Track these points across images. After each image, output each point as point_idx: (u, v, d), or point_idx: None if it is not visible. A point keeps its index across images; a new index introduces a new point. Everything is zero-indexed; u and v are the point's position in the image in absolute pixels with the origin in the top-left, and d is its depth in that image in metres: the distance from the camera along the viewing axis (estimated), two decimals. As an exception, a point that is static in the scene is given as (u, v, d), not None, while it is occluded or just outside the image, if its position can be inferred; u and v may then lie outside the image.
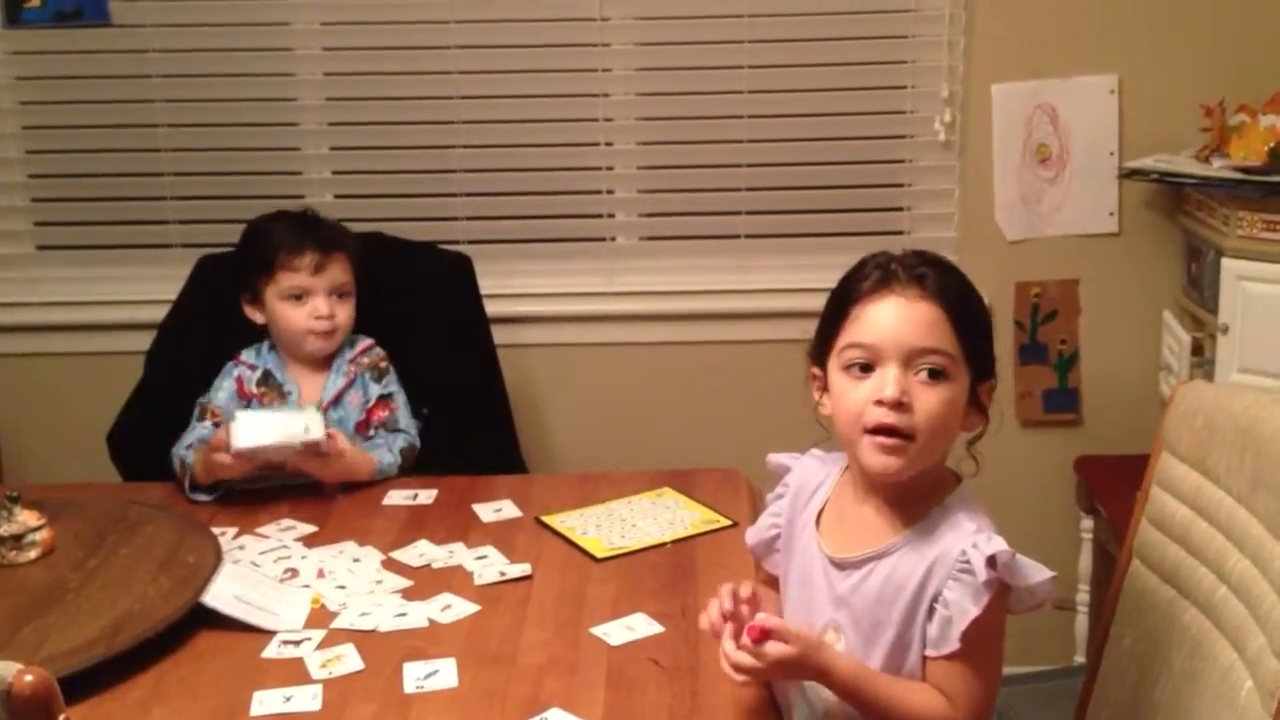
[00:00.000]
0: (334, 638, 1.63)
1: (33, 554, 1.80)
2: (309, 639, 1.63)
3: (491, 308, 2.52)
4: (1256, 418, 1.46)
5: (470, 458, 2.23)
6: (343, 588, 1.77)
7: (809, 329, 1.54)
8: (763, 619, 1.38)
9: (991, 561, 1.37)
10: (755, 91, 2.69)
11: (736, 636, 1.39)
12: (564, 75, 2.70)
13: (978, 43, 2.63)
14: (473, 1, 2.66)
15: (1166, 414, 1.64)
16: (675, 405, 2.79)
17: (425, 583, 1.79)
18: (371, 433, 2.21)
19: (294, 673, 1.55)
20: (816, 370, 1.52)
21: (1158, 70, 2.60)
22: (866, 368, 1.44)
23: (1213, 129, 2.47)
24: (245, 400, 2.18)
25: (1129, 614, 1.67)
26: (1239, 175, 2.32)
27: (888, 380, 1.41)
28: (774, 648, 1.37)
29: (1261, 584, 1.40)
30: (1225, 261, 2.32)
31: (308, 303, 2.16)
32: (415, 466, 2.19)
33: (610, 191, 2.78)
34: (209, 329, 2.35)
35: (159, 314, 2.45)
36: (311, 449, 2.01)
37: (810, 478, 1.60)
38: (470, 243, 2.67)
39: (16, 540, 1.79)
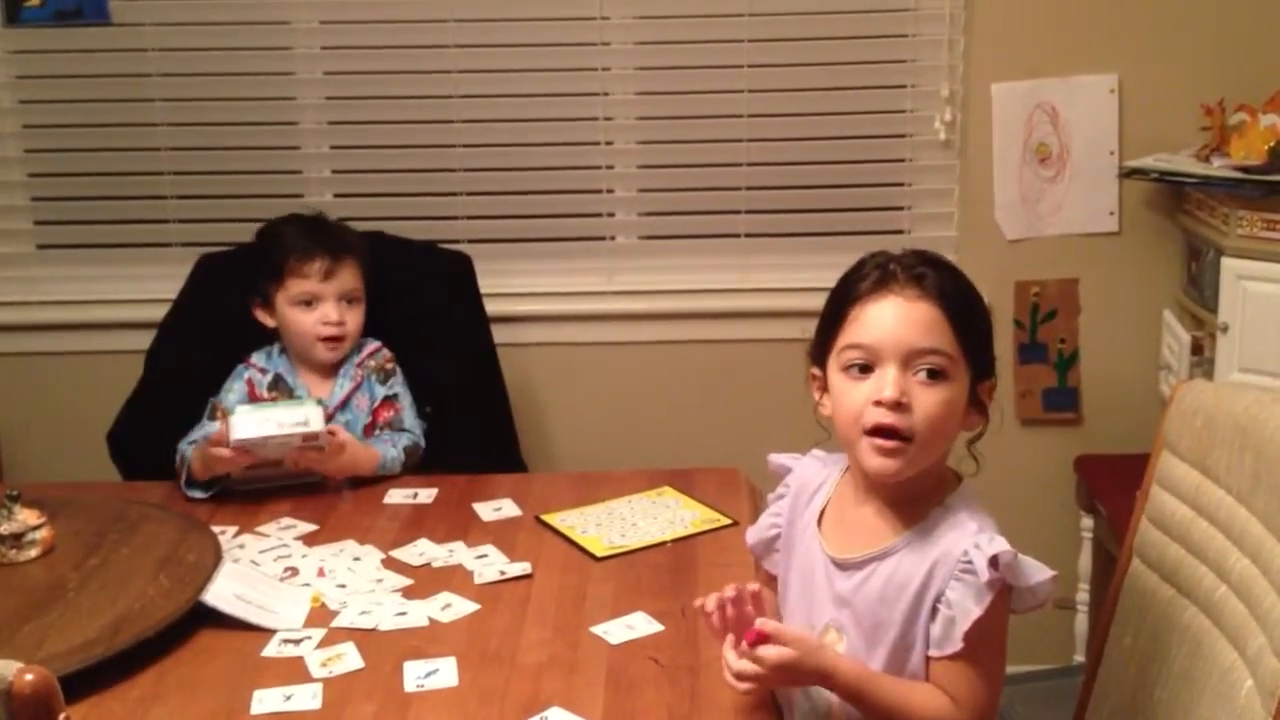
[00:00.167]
0: (334, 636, 1.64)
1: (33, 553, 1.80)
2: (309, 638, 1.63)
3: (491, 307, 2.52)
4: (1256, 417, 1.46)
5: (470, 457, 2.23)
6: (343, 586, 1.77)
7: (809, 328, 1.54)
8: (760, 623, 1.38)
9: (994, 561, 1.37)
10: (755, 90, 2.69)
11: (737, 646, 1.39)
12: (564, 74, 2.70)
13: (978, 42, 2.63)
14: (473, 1, 2.66)
15: (1167, 413, 1.64)
16: (675, 404, 2.79)
17: (425, 581, 1.79)
18: (377, 433, 2.21)
19: (294, 671, 1.56)
20: (816, 370, 1.52)
21: (1158, 69, 2.60)
22: (865, 368, 1.44)
23: (1213, 128, 2.47)
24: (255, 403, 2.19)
25: (1129, 613, 1.67)
26: (1239, 174, 2.32)
27: (886, 381, 1.41)
28: (772, 651, 1.37)
29: (1262, 583, 1.40)
30: (1225, 261, 2.32)
31: (317, 308, 2.17)
32: (418, 465, 2.19)
33: (610, 190, 2.78)
34: (209, 328, 2.35)
35: (159, 313, 2.45)
36: (310, 442, 2.01)
37: (811, 478, 1.60)
38: (470, 242, 2.68)
39: (17, 539, 1.79)
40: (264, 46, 2.70)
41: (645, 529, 1.94)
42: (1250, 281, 2.28)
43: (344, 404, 2.20)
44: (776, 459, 1.64)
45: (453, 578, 1.80)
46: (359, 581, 1.79)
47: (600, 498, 2.06)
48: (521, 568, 1.81)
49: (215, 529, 1.91)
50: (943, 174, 2.72)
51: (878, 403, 1.41)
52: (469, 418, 2.37)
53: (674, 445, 2.70)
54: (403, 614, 1.69)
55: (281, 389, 2.20)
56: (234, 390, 2.20)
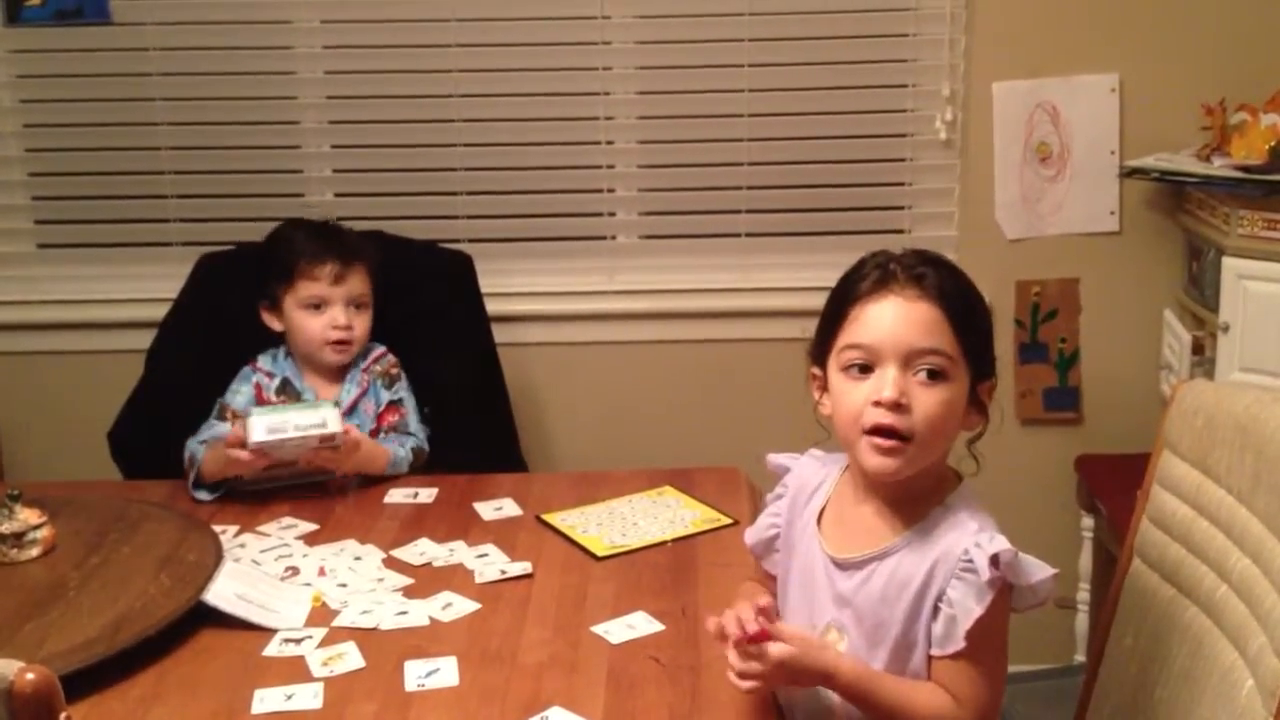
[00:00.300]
0: (335, 636, 1.64)
1: (34, 552, 1.80)
2: (310, 637, 1.63)
3: (492, 306, 2.52)
4: (1257, 416, 1.46)
5: (471, 456, 2.23)
6: (344, 586, 1.77)
7: (809, 328, 1.54)
8: (762, 622, 1.38)
9: (994, 560, 1.37)
10: (756, 90, 2.69)
11: (739, 645, 1.39)
12: (565, 74, 2.70)
13: (978, 41, 2.63)
14: (473, 0, 2.66)
15: (1167, 413, 1.64)
16: (676, 404, 2.79)
17: (426, 581, 1.79)
18: (382, 436, 2.21)
19: (295, 671, 1.56)
20: (816, 370, 1.52)
21: (1158, 69, 2.60)
22: (865, 368, 1.44)
23: (1213, 128, 2.47)
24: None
25: (1130, 613, 1.67)
26: (1240, 174, 2.32)
27: (886, 381, 1.41)
28: (774, 648, 1.37)
29: (1262, 583, 1.40)
30: (1226, 260, 2.32)
31: (326, 313, 2.17)
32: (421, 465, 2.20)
33: (611, 190, 2.78)
34: (210, 327, 2.35)
35: (159, 312, 2.45)
36: (327, 443, 2.01)
37: (810, 478, 1.60)
38: (471, 241, 2.68)
39: (18, 538, 1.79)
40: (265, 46, 2.70)
41: (646, 528, 1.94)
42: (1251, 281, 2.28)
43: (351, 409, 2.20)
44: (775, 459, 1.64)
45: (453, 577, 1.80)
46: (360, 581, 1.79)
47: (601, 497, 2.06)
48: (522, 567, 1.81)
49: (216, 528, 1.91)
50: (943, 173, 2.72)
51: (877, 403, 1.41)
52: (470, 417, 2.37)
53: (674, 445, 2.70)
54: (403, 613, 1.69)
55: (289, 393, 2.20)
56: (241, 393, 2.19)
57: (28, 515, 1.81)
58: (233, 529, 1.95)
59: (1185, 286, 2.57)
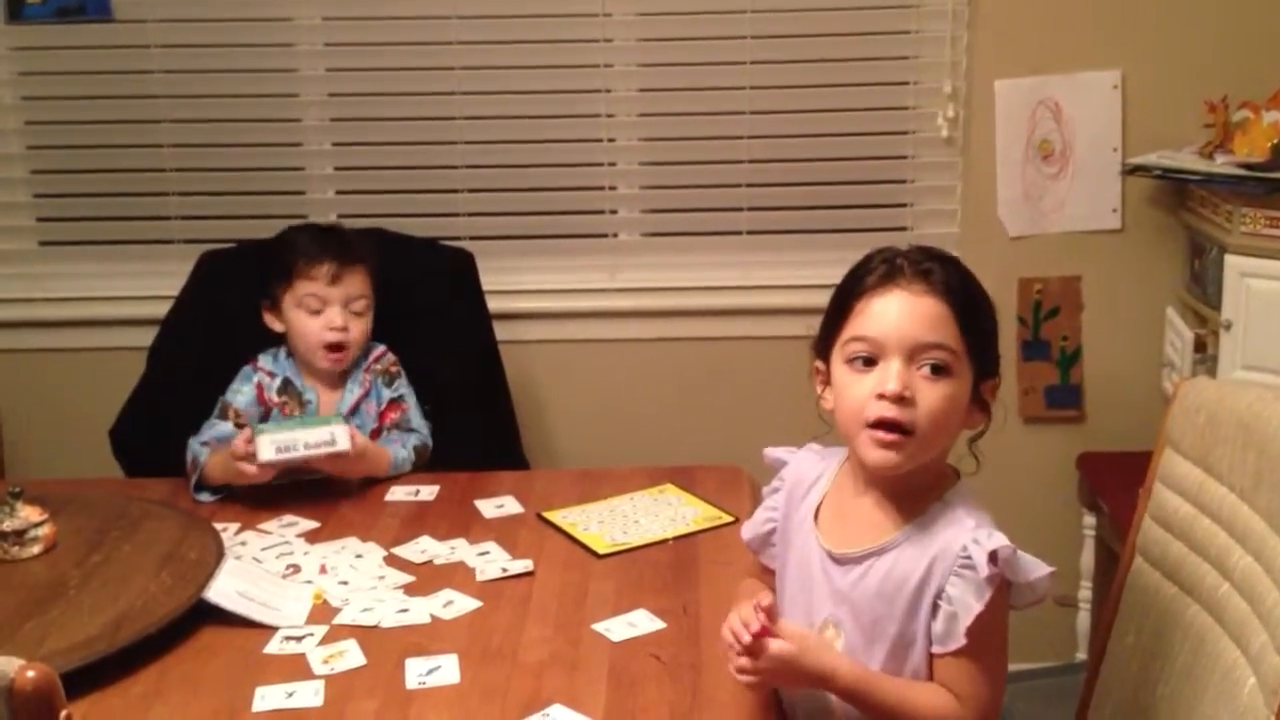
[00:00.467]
0: (336, 633, 1.64)
1: (35, 550, 1.80)
2: (311, 635, 1.63)
3: (493, 304, 2.52)
4: (1259, 414, 1.46)
5: (472, 454, 2.23)
6: (345, 584, 1.77)
7: (812, 326, 1.53)
8: (763, 619, 1.38)
9: (993, 557, 1.37)
10: (758, 87, 2.68)
11: (740, 641, 1.39)
12: (566, 71, 2.70)
13: (981, 38, 2.63)
14: (475, -2, 2.67)
15: (1169, 410, 1.64)
16: (677, 401, 2.79)
17: (427, 579, 1.79)
18: (385, 434, 2.21)
19: (296, 668, 1.56)
20: (819, 364, 1.52)
21: (1161, 66, 2.59)
22: (869, 361, 1.43)
23: (1216, 125, 2.47)
24: (265, 408, 2.19)
25: (1131, 611, 1.67)
26: (1242, 171, 2.32)
27: (890, 374, 1.41)
28: (773, 644, 1.37)
29: (1264, 581, 1.40)
30: (1228, 258, 2.32)
31: (323, 314, 2.16)
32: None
33: (612, 188, 2.78)
34: (211, 325, 2.35)
35: (161, 310, 2.45)
36: (335, 457, 2.01)
37: (807, 472, 1.59)
38: (472, 239, 2.67)
39: (19, 536, 1.79)
40: (266, 43, 2.70)
41: (647, 526, 1.94)
42: (1253, 279, 2.28)
43: (354, 410, 2.20)
44: (772, 452, 1.64)
45: (454, 575, 1.80)
46: (361, 579, 1.79)
47: (602, 495, 2.06)
48: (523, 565, 1.81)
49: (217, 526, 1.91)
50: (945, 171, 2.72)
51: (880, 396, 1.41)
52: (471, 415, 2.37)
53: (676, 442, 2.69)
54: (404, 611, 1.69)
55: (291, 393, 2.20)
56: (243, 392, 2.19)
57: (29, 513, 1.81)
58: (234, 527, 1.95)
59: (1187, 284, 2.56)
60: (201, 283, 2.44)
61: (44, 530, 1.81)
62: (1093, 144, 2.64)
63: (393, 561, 1.84)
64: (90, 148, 2.74)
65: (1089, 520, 2.66)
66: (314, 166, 2.78)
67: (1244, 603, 1.44)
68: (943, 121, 2.67)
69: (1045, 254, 2.69)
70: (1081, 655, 2.61)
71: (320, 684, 1.52)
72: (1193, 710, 1.50)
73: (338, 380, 2.22)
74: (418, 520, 1.98)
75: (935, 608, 1.42)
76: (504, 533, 1.93)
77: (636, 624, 1.65)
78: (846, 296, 1.47)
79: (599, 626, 1.64)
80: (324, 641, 1.62)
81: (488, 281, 2.51)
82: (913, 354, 1.41)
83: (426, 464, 2.20)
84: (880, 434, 1.42)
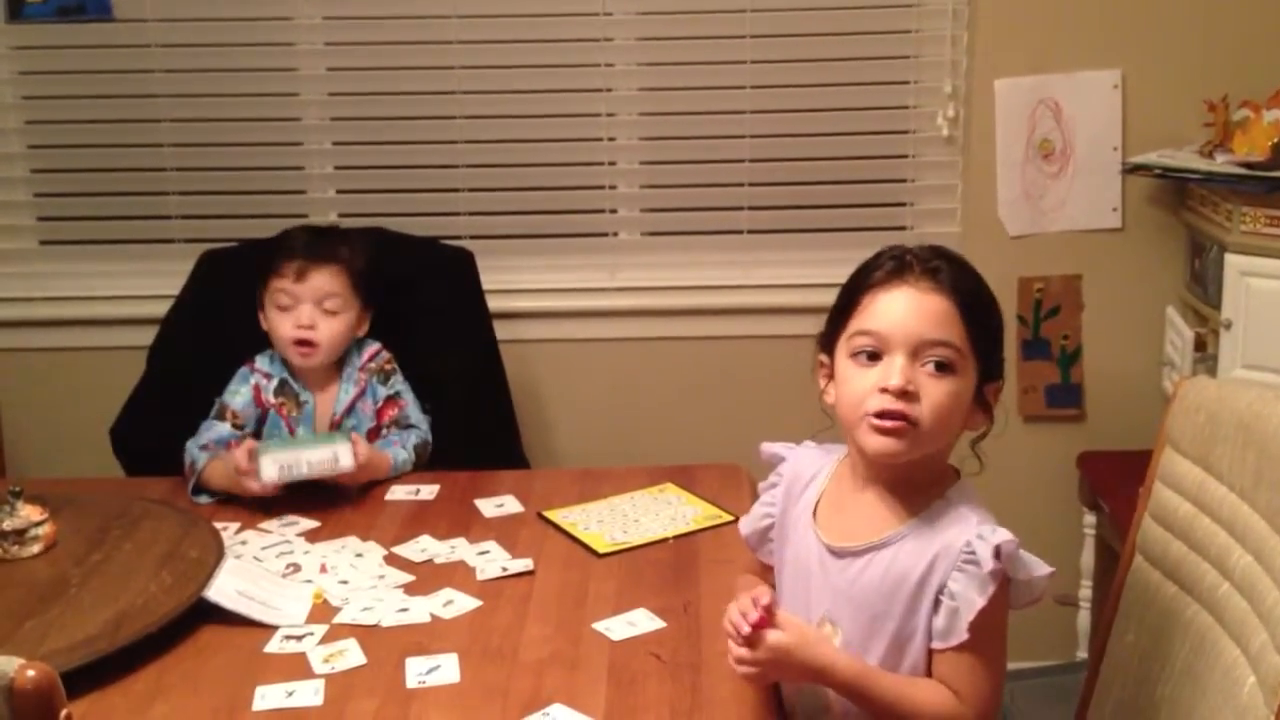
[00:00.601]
0: (336, 633, 1.64)
1: (35, 549, 1.80)
2: (311, 634, 1.63)
3: (493, 303, 2.52)
4: (1259, 414, 1.46)
5: (472, 453, 2.23)
6: (345, 583, 1.77)
7: (813, 325, 1.53)
8: (763, 610, 1.38)
9: (996, 552, 1.37)
10: (758, 86, 2.68)
11: (740, 632, 1.39)
12: (566, 70, 2.70)
13: (981, 38, 2.63)
14: (475, -3, 2.67)
15: (1169, 410, 1.64)
16: (677, 401, 2.79)
17: (427, 578, 1.79)
18: (384, 433, 2.21)
19: (296, 667, 1.56)
20: (824, 358, 1.52)
21: (1161, 65, 2.59)
22: (874, 356, 1.43)
23: (1216, 124, 2.47)
24: (262, 409, 2.19)
25: (1132, 610, 1.67)
26: (1242, 170, 2.32)
27: (894, 369, 1.41)
28: (770, 635, 1.38)
29: (1264, 580, 1.40)
30: (1229, 257, 2.32)
31: (292, 311, 2.16)
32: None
33: (613, 187, 2.78)
34: (212, 324, 2.35)
35: (162, 309, 2.45)
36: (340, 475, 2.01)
37: (805, 467, 1.59)
38: (472, 238, 2.67)
39: (19, 535, 1.79)
40: (267, 42, 2.70)
41: (647, 525, 1.94)
42: (1253, 278, 2.28)
43: (350, 409, 2.20)
44: (769, 448, 1.64)
45: (454, 574, 1.80)
46: (361, 578, 1.79)
47: (602, 494, 2.06)
48: (523, 564, 1.81)
49: (217, 525, 1.91)
50: (945, 170, 2.72)
51: (884, 390, 1.41)
52: (471, 414, 2.37)
53: (676, 442, 2.69)
54: (404, 610, 1.69)
55: (287, 393, 2.20)
56: (240, 393, 2.19)
57: (29, 512, 1.81)
58: (234, 526, 1.95)
59: (1188, 283, 2.56)
60: (202, 282, 2.44)
61: (44, 529, 1.81)
62: (1093, 143, 2.64)
63: (393, 561, 1.84)
64: (91, 147, 2.75)
65: (1089, 519, 2.66)
66: (314, 166, 2.78)
67: (1244, 602, 1.44)
68: (943, 121, 2.67)
69: (1045, 253, 2.69)
70: (1082, 654, 2.61)
71: (320, 683, 1.52)
72: (1192, 709, 1.51)
73: (332, 379, 2.22)
74: (418, 519, 1.98)
75: (937, 603, 1.42)
76: (504, 532, 1.93)
77: (636, 623, 1.65)
78: (854, 291, 1.48)
79: (599, 625, 1.64)
80: (324, 641, 1.62)
81: (488, 280, 2.51)
82: (917, 350, 1.42)
83: (428, 460, 2.19)
84: (882, 421, 1.41)
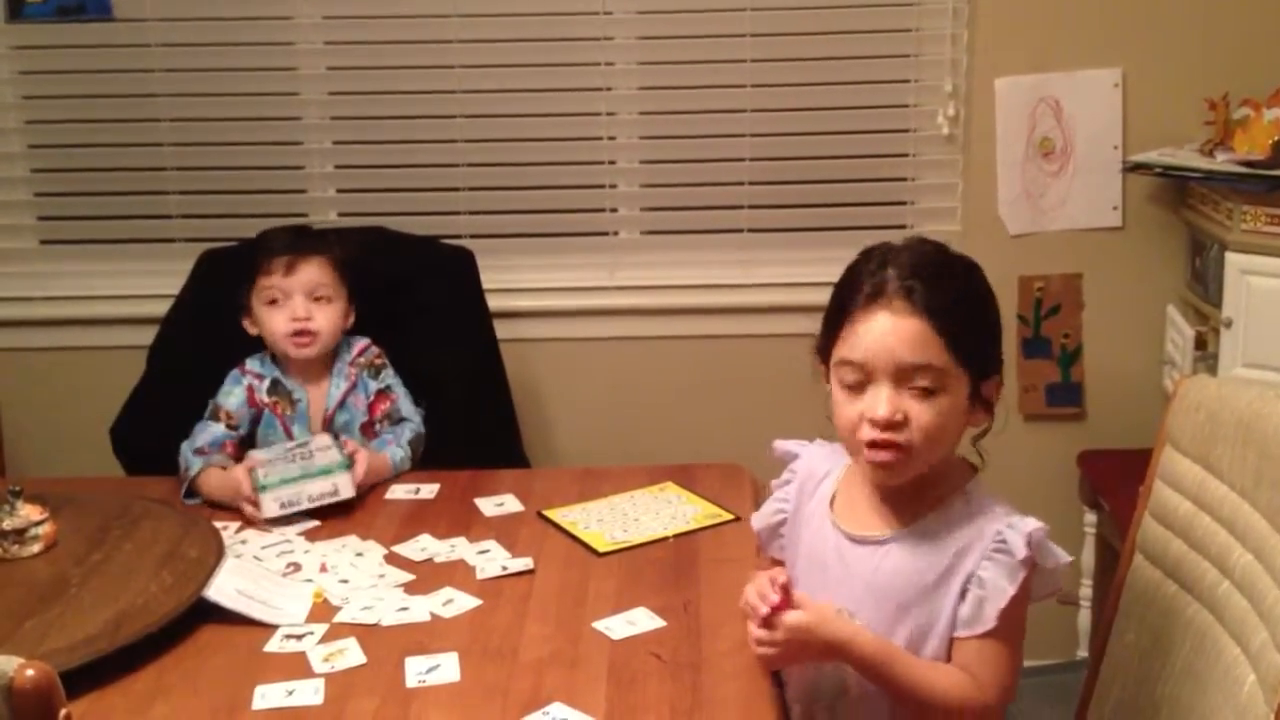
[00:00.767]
0: (336, 632, 1.64)
1: (35, 548, 1.80)
2: (311, 633, 1.63)
3: (493, 302, 2.52)
4: (1260, 412, 1.46)
5: (472, 452, 2.23)
6: (345, 582, 1.77)
7: (813, 324, 1.54)
8: (780, 591, 1.39)
9: (1027, 540, 1.39)
10: (758, 86, 2.68)
11: (758, 615, 1.40)
12: (566, 69, 2.70)
13: (981, 36, 2.63)
14: (475, -4, 2.67)
15: (1170, 408, 1.64)
16: (677, 400, 2.79)
17: (427, 577, 1.79)
18: (377, 428, 2.21)
19: (296, 667, 1.56)
20: (823, 365, 1.52)
21: (1162, 64, 2.59)
22: (860, 384, 1.45)
23: (1217, 123, 2.46)
24: (256, 409, 2.19)
25: (1132, 609, 1.67)
26: (1243, 169, 2.32)
27: (880, 400, 1.43)
28: (789, 615, 1.39)
29: (1265, 579, 1.40)
30: (1229, 256, 2.31)
31: (285, 306, 2.16)
32: (422, 458, 2.19)
33: (613, 186, 2.78)
34: (212, 324, 2.34)
35: (162, 309, 2.45)
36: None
37: (818, 465, 1.61)
38: (472, 237, 2.67)
39: (19, 534, 1.79)
40: (267, 42, 2.70)
41: (647, 524, 1.94)
42: (1254, 276, 2.28)
43: (341, 404, 2.20)
44: (782, 445, 1.66)
45: (454, 573, 1.80)
46: (361, 577, 1.79)
47: (602, 493, 2.06)
48: (523, 563, 1.81)
49: (217, 524, 1.91)
50: (946, 169, 2.72)
51: (873, 422, 1.42)
52: (471, 413, 2.37)
53: (676, 441, 2.69)
54: (404, 609, 1.69)
55: (280, 392, 2.20)
56: (233, 394, 2.19)
57: (29, 511, 1.81)
58: (234, 525, 1.95)
59: (1188, 282, 2.56)
60: (202, 281, 2.44)
61: (44, 529, 1.81)
62: (1093, 141, 2.64)
63: (393, 560, 1.84)
64: (91, 146, 2.75)
65: (1090, 518, 2.66)
66: (314, 165, 2.77)
67: (1244, 600, 1.44)
68: (943, 119, 2.67)
69: (1046, 252, 2.69)
70: (1082, 653, 2.61)
71: (320, 682, 1.52)
72: (1193, 708, 1.50)
73: (323, 376, 2.22)
74: (418, 518, 1.98)
75: (963, 592, 1.43)
76: (504, 531, 1.93)
77: (636, 622, 1.65)
78: (838, 310, 1.48)
79: (599, 624, 1.64)
80: (324, 640, 1.62)
81: (488, 280, 2.51)
82: (899, 376, 1.43)
83: (424, 454, 2.19)
84: (876, 454, 1.44)
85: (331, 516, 1.98)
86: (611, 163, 2.76)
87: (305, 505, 1.97)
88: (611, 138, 2.74)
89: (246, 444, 2.17)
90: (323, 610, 1.69)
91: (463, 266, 2.49)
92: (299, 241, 2.20)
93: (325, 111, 2.74)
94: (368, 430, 2.21)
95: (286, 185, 2.76)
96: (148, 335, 2.43)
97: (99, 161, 2.75)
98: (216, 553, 1.78)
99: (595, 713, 1.44)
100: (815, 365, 1.54)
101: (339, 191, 2.78)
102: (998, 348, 1.51)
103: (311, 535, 1.93)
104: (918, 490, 1.49)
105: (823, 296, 1.53)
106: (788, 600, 1.40)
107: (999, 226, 2.68)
